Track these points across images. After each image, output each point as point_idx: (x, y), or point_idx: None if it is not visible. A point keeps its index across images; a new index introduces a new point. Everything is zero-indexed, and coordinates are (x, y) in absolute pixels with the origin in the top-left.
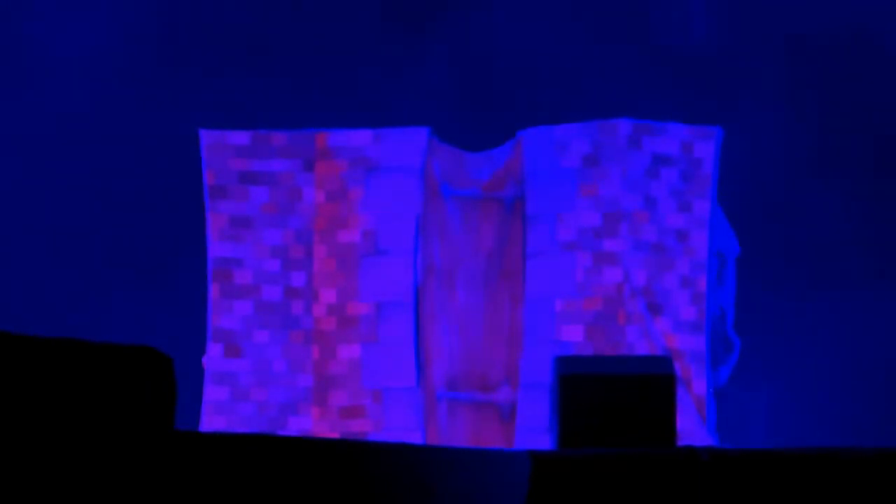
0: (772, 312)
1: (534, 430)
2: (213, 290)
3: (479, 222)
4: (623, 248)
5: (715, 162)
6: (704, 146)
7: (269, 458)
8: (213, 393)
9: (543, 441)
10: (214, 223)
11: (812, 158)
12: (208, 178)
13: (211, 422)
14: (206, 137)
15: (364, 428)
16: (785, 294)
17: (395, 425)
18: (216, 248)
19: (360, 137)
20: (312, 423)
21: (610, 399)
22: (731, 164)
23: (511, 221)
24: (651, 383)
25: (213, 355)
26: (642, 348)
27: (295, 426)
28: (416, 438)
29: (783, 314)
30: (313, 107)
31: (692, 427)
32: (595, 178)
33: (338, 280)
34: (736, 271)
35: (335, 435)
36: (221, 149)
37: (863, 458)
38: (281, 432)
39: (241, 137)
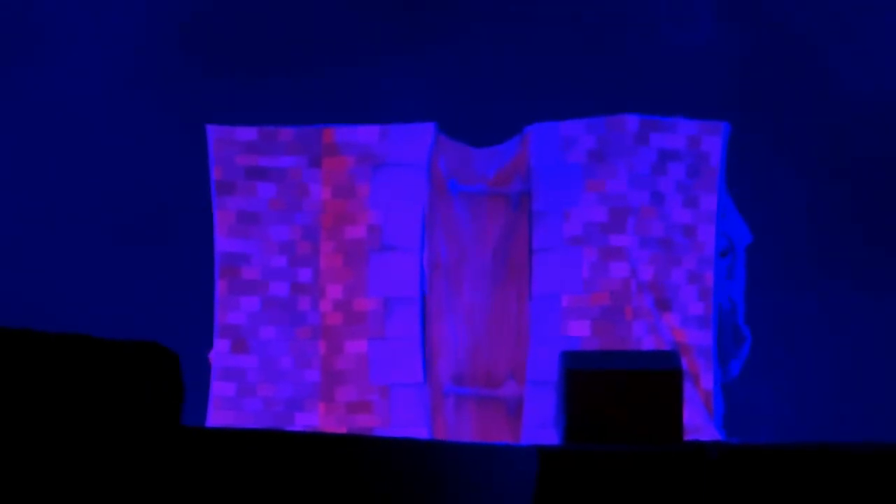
0: (779, 307)
1: (540, 425)
2: (220, 286)
3: (486, 218)
4: (630, 243)
5: (722, 156)
6: (711, 141)
7: (275, 453)
8: (219, 389)
9: (550, 436)
10: (221, 219)
11: (819, 154)
12: (215, 173)
13: (218, 417)
14: (214, 133)
15: (371, 423)
16: (793, 288)
17: (402, 421)
18: (223, 243)
19: (367, 133)
20: (319, 419)
21: (617, 394)
22: (738, 158)
23: (517, 217)
24: (658, 378)
25: (220, 351)
26: (649, 343)
27: (301, 422)
28: (422, 434)
29: (791, 308)
30: (320, 102)
31: (700, 422)
32: (602, 173)
33: (344, 276)
34: (745, 264)
35: (342, 430)
36: (229, 144)
37: (870, 453)
38: (288, 428)
39: (248, 133)
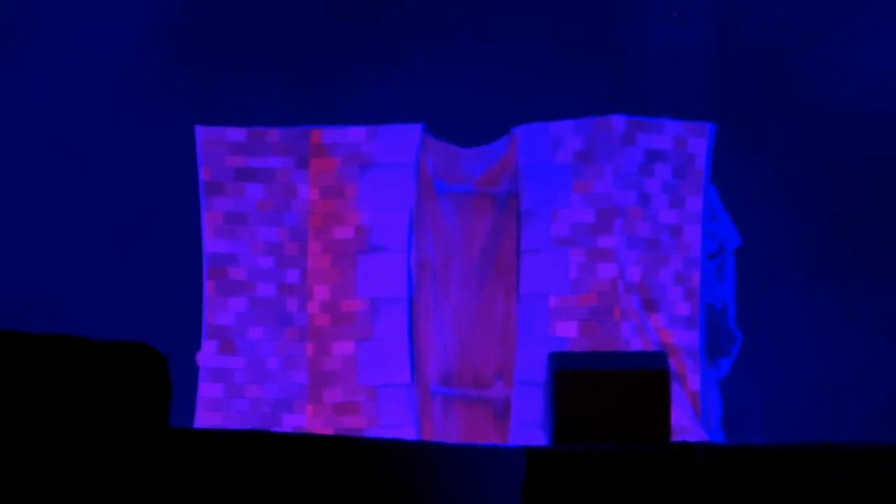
0: (766, 308)
1: (528, 426)
2: (208, 287)
3: (473, 218)
4: (617, 244)
5: (708, 157)
6: (697, 142)
7: (263, 454)
8: (207, 390)
9: (537, 437)
10: (209, 220)
11: (804, 156)
12: (204, 174)
13: (205, 419)
14: (202, 134)
15: (358, 424)
16: (782, 288)
17: (390, 422)
18: (211, 244)
19: (355, 134)
20: (306, 420)
21: (604, 395)
22: (728, 158)
23: (505, 217)
24: (645, 379)
25: (208, 352)
26: (637, 344)
27: (289, 423)
28: (410, 435)
29: (777, 309)
30: (308, 103)
31: (687, 423)
32: (589, 174)
33: (332, 276)
34: (734, 266)
35: (329, 432)
36: (217, 145)
37: (858, 452)
38: (275, 429)
39: (236, 134)
